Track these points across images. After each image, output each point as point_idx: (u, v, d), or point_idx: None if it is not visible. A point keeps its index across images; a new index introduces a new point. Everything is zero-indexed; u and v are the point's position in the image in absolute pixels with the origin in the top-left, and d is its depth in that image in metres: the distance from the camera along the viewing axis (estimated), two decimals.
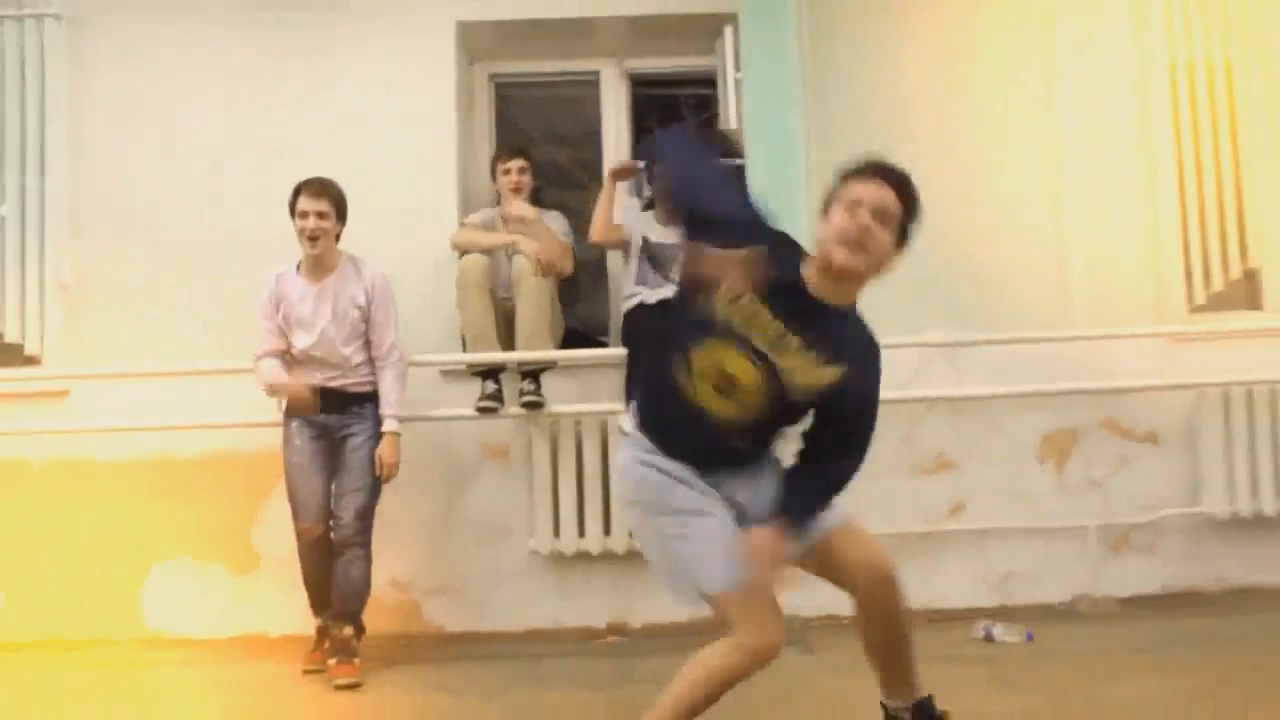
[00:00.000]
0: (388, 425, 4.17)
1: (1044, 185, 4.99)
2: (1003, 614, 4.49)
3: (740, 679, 2.49)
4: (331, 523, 4.17)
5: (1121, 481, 4.84)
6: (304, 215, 4.09)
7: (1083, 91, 5.02)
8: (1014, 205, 4.98)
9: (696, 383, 2.43)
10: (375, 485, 4.18)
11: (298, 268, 4.21)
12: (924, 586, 4.68)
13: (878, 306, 4.69)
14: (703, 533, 2.51)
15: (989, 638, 4.23)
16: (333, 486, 4.19)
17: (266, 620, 4.70)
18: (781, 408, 2.44)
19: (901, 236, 2.52)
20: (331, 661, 4.06)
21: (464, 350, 4.63)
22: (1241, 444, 4.72)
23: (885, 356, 4.45)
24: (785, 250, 2.50)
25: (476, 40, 5.19)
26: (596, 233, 4.74)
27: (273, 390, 4.20)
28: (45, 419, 4.82)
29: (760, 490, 2.56)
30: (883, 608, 2.61)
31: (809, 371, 2.40)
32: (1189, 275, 4.92)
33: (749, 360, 2.39)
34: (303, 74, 5.04)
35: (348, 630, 4.10)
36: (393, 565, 4.60)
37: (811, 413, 2.52)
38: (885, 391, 4.52)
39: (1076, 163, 4.98)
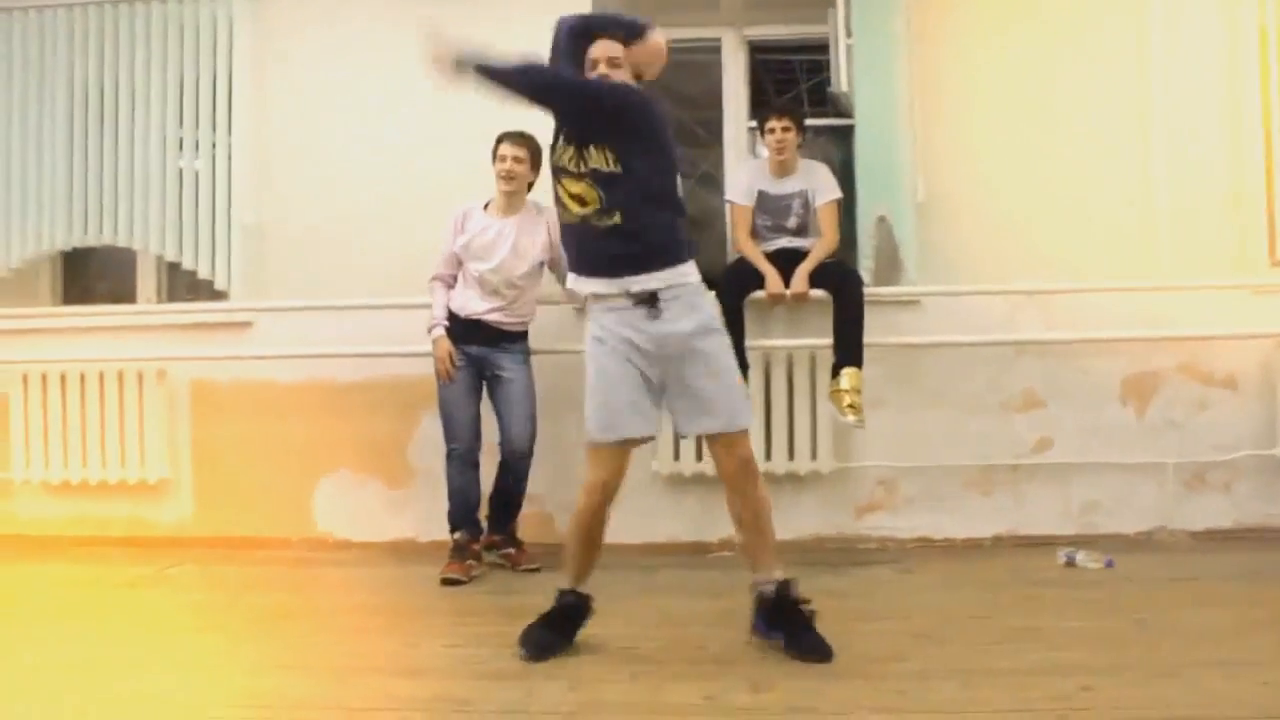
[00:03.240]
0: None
1: (1134, 143, 5.01)
2: (1084, 542, 4.63)
3: (587, 514, 3.24)
4: (503, 445, 4.56)
5: (1199, 423, 4.91)
6: (503, 159, 4.47)
7: (1172, 52, 4.97)
8: (1104, 162, 5.02)
9: (570, 208, 3.20)
10: (535, 402, 4.59)
11: (485, 206, 4.56)
12: (1011, 515, 4.94)
13: (974, 257, 5.08)
14: (593, 385, 3.23)
15: (1071, 563, 4.36)
16: (499, 411, 4.56)
17: (417, 528, 5.09)
18: (607, 178, 3.13)
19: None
20: (511, 550, 4.62)
21: None
22: None
23: (979, 303, 4.90)
24: None
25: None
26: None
27: (431, 332, 4.53)
28: (232, 346, 5.19)
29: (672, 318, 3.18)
30: (740, 496, 3.26)
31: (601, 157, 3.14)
32: (1272, 229, 4.94)
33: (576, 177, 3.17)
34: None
35: (513, 526, 4.67)
36: (531, 482, 4.78)
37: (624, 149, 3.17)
38: (977, 335, 5.07)
39: (1165, 121, 4.96)
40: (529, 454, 4.58)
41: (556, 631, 3.30)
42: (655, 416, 3.28)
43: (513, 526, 4.68)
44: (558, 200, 3.27)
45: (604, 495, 3.22)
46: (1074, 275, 4.92)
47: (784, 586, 3.23)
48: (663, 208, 3.22)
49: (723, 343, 3.28)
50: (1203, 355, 4.96)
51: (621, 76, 3.24)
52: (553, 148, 3.28)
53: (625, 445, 3.23)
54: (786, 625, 3.21)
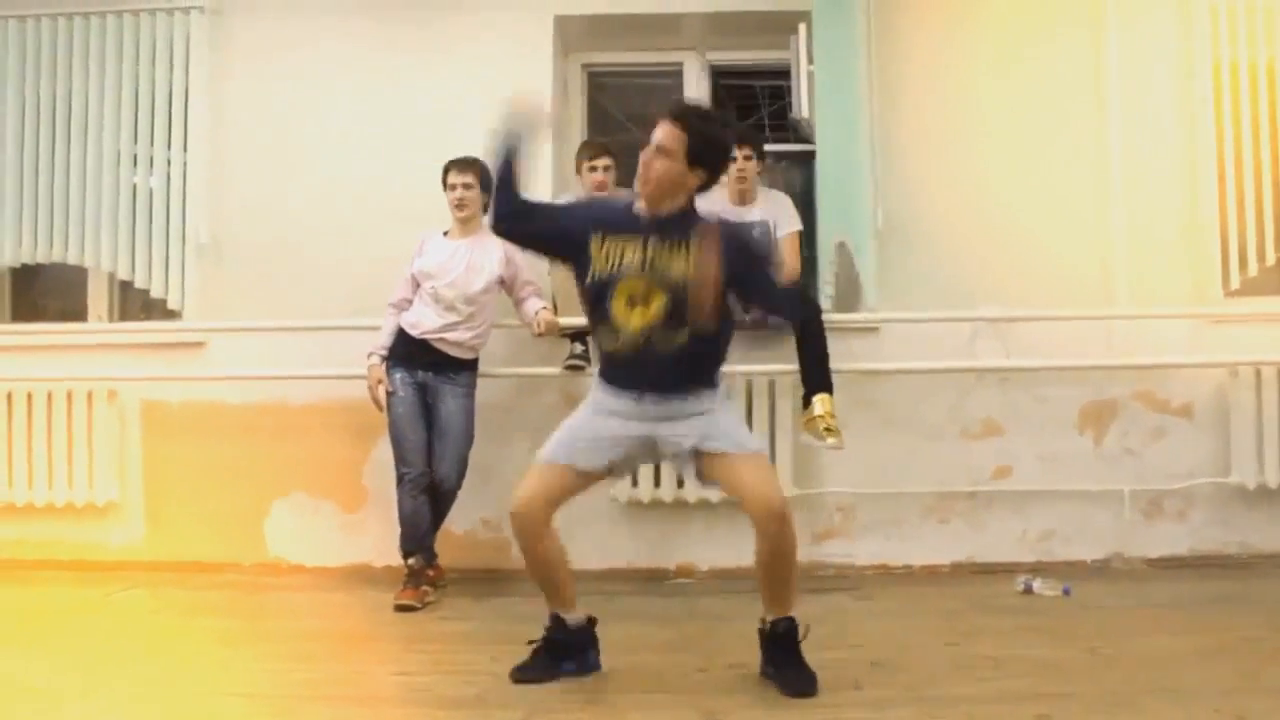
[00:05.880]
0: (543, 308, 4.59)
1: (1092, 175, 5.05)
2: (1041, 569, 4.65)
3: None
4: (434, 473, 4.51)
5: (1156, 451, 4.93)
6: (453, 187, 4.56)
7: (1130, 87, 5.03)
8: (1063, 193, 5.05)
9: (618, 318, 3.04)
10: (470, 440, 4.57)
11: (445, 233, 4.64)
12: (969, 542, 4.93)
13: (934, 284, 5.11)
14: (567, 423, 3.21)
15: (1028, 591, 4.38)
16: (434, 443, 4.52)
17: (372, 552, 4.99)
18: (680, 302, 2.96)
19: (692, 159, 3.04)
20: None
21: (555, 312, 4.68)
22: (1272, 419, 4.81)
23: (941, 329, 4.89)
24: (609, 202, 3.20)
25: (572, 33, 5.38)
26: None
27: (369, 358, 4.55)
28: (184, 367, 5.12)
29: (705, 426, 3.08)
30: (772, 539, 2.99)
31: (677, 261, 3.00)
32: (1226, 261, 4.96)
33: (638, 279, 3.01)
34: (416, 64, 5.23)
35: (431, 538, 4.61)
36: (485, 506, 4.85)
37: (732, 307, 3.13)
38: (937, 362, 4.94)
39: (1122, 154, 5.01)
40: (456, 488, 4.59)
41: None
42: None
43: (431, 538, 4.63)
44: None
45: None
46: (1033, 304, 4.93)
47: (777, 624, 3.15)
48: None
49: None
50: (1159, 384, 5.00)
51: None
52: None
53: None
54: (775, 660, 3.15)
